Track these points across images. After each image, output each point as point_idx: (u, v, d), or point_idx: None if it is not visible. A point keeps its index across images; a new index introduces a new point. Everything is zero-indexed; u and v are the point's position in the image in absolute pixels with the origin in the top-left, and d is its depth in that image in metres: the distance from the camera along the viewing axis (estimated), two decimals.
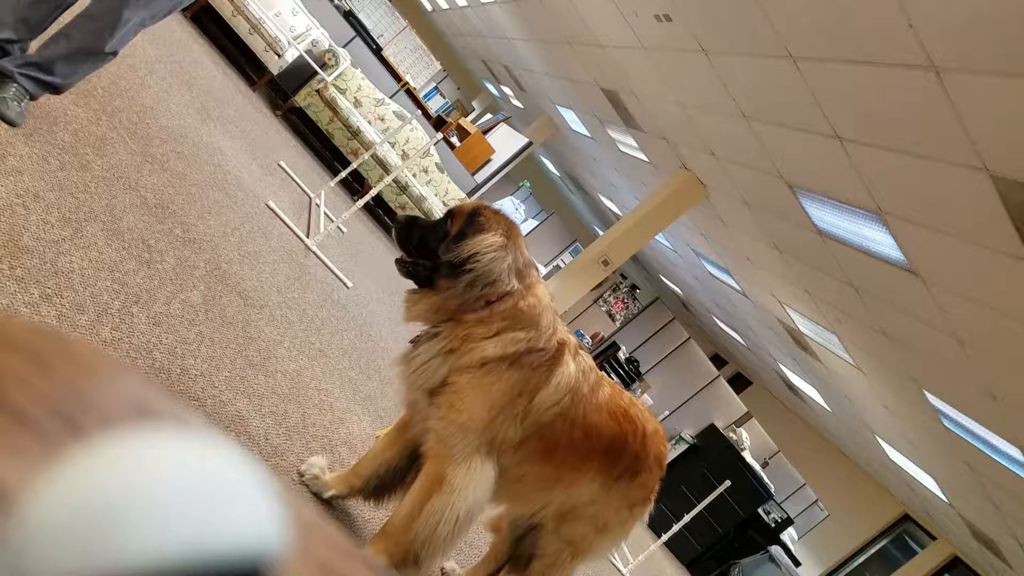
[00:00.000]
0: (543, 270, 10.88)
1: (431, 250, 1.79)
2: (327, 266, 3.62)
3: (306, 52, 5.23)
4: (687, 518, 5.19)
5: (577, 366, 1.80)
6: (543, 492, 1.88)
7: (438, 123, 8.69)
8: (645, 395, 8.26)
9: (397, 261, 1.85)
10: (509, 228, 1.81)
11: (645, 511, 2.08)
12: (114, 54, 2.10)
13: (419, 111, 7.40)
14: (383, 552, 1.70)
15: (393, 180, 5.77)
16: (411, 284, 1.86)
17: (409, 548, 1.68)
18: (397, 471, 1.93)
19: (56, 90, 2.05)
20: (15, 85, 1.94)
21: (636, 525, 2.09)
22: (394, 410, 2.96)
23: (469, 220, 1.78)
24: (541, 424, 1.75)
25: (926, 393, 4.98)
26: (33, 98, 2.00)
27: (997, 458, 4.68)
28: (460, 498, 1.68)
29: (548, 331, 1.77)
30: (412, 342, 1.83)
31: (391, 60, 9.11)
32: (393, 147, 6.13)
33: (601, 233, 10.26)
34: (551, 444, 1.78)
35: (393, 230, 1.88)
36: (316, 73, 5.32)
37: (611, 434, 1.86)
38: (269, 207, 3.45)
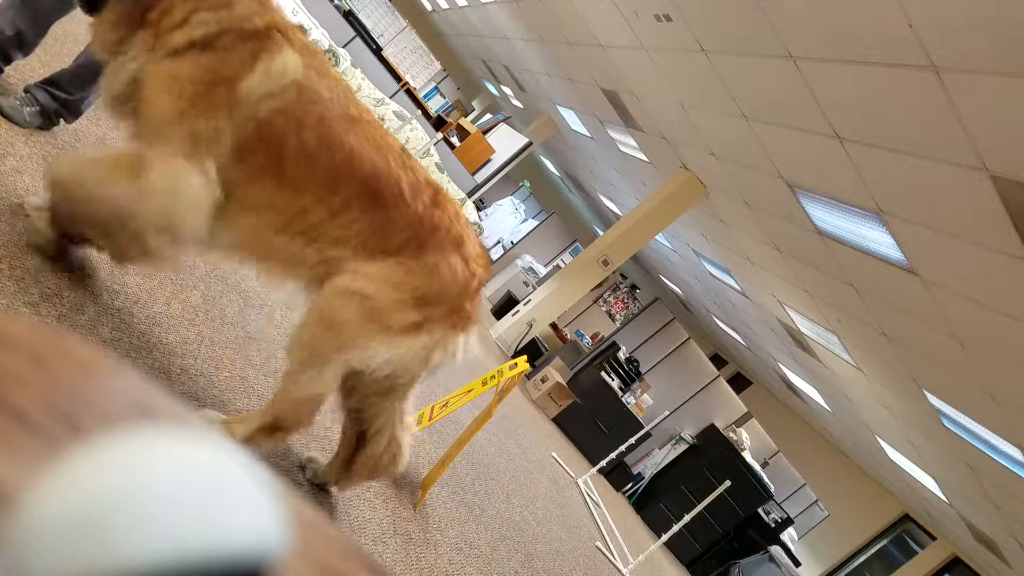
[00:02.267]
0: (543, 270, 10.87)
1: None
2: None
3: None
4: (687, 518, 5.19)
5: (305, 61, 1.52)
6: (291, 238, 1.53)
7: (438, 123, 8.69)
8: (645, 395, 8.25)
9: None
10: None
11: (442, 328, 1.61)
12: None
13: (419, 111, 7.40)
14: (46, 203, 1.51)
15: None
16: None
17: (63, 202, 1.48)
18: (352, 412, 1.86)
19: (67, 105, 2.06)
20: (25, 94, 1.99)
21: (434, 350, 1.63)
22: None
23: None
24: (258, 121, 1.47)
25: (926, 393, 4.98)
26: (45, 112, 2.02)
27: (997, 458, 4.68)
28: (153, 189, 1.42)
29: (247, 10, 1.50)
30: None
31: (391, 60, 9.10)
32: None
33: (601, 233, 10.26)
34: (277, 150, 1.48)
35: None
36: None
37: (371, 165, 1.52)
38: None
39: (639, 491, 7.73)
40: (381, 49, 9.14)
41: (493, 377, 2.71)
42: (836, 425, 8.74)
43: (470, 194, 6.95)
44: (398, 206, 1.56)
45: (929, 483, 6.74)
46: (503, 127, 8.48)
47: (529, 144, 7.78)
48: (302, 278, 1.59)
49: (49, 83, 2.04)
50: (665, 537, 5.29)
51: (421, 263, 1.58)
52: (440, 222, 1.60)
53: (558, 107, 9.08)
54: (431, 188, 1.62)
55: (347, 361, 1.58)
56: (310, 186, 1.50)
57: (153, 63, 1.46)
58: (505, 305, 9.13)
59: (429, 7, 12.50)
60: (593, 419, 7.45)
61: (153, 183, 1.43)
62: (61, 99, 2.03)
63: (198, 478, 0.24)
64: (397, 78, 7.53)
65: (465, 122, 8.42)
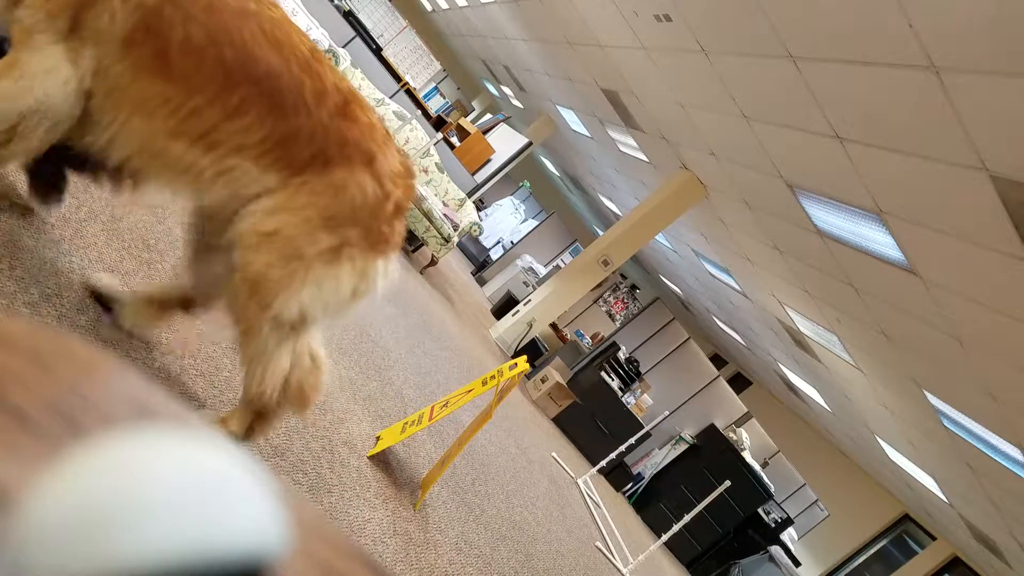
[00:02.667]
0: (543, 270, 10.87)
1: None
2: None
3: None
4: (687, 518, 5.19)
5: None
6: (187, 145, 1.39)
7: (438, 123, 8.70)
8: (645, 395, 8.25)
9: None
10: None
11: (362, 254, 1.49)
12: None
13: (419, 111, 7.40)
14: None
15: None
16: None
17: None
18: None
19: None
20: None
21: (358, 282, 1.51)
22: (394, 409, 2.96)
23: None
24: (146, 9, 1.35)
25: (926, 393, 4.98)
26: None
27: (997, 458, 4.68)
28: (26, 82, 1.33)
29: None
30: None
31: (391, 60, 9.12)
32: None
33: (601, 233, 10.26)
34: (163, 43, 1.35)
35: None
36: None
37: (266, 65, 1.38)
38: None
39: (639, 491, 7.73)
40: (381, 49, 9.15)
41: (493, 377, 2.71)
42: (836, 425, 8.74)
43: (470, 194, 6.95)
44: (299, 114, 1.41)
45: (929, 483, 6.74)
46: (503, 127, 8.49)
47: (529, 144, 7.78)
48: (206, 194, 1.44)
49: None
50: (665, 537, 5.29)
51: (325, 182, 1.43)
52: (348, 135, 1.44)
53: (558, 107, 9.08)
54: (340, 95, 1.45)
55: (279, 316, 1.46)
56: (198, 84, 1.37)
57: None
58: (505, 305, 9.13)
59: (429, 7, 12.51)
60: (593, 419, 7.45)
61: (24, 72, 1.34)
62: None
63: (198, 478, 0.24)
64: (397, 78, 7.54)
65: (465, 122, 8.42)
